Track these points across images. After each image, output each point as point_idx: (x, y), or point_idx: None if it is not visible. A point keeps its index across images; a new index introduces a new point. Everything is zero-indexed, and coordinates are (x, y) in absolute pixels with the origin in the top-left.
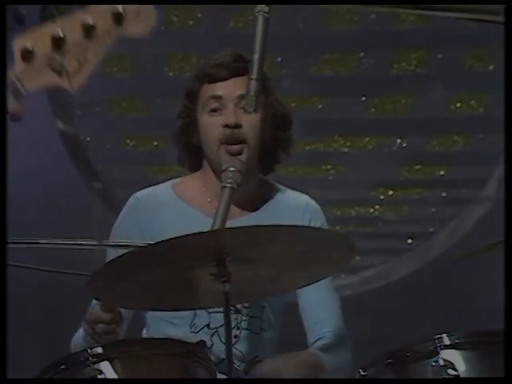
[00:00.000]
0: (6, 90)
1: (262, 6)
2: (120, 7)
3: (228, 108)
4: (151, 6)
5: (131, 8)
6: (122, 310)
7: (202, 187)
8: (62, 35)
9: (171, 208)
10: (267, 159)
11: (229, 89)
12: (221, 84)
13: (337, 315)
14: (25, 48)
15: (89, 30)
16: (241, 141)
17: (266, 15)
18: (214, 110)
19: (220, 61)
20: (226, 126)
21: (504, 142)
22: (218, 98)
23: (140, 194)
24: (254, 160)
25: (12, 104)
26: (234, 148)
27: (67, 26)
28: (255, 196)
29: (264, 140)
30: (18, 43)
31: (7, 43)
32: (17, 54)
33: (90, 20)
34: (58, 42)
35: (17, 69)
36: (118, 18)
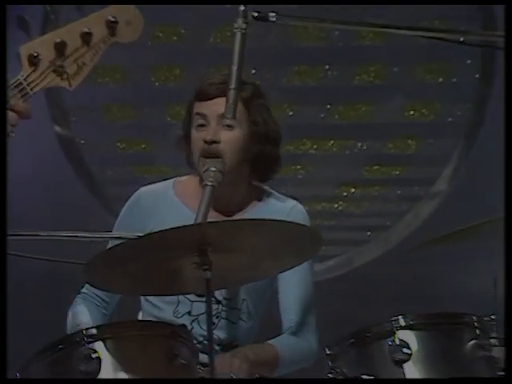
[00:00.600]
0: (6, 91)
1: (240, 22)
2: (113, 16)
3: (211, 125)
4: (141, 16)
5: (123, 17)
6: (105, 294)
7: (199, 187)
8: (63, 42)
9: (167, 204)
10: (262, 169)
11: (213, 107)
12: (207, 103)
13: (306, 305)
14: (31, 54)
15: (86, 38)
16: (216, 155)
17: (244, 31)
18: (200, 126)
19: (211, 81)
20: (205, 141)
21: (504, 141)
22: (203, 115)
23: (144, 188)
24: (234, 171)
25: (21, 104)
26: (210, 161)
27: (68, 34)
28: (245, 200)
29: (247, 154)
30: (25, 50)
31: (7, 43)
32: (24, 60)
33: (87, 29)
34: (60, 49)
35: (24, 73)
36: (112, 27)
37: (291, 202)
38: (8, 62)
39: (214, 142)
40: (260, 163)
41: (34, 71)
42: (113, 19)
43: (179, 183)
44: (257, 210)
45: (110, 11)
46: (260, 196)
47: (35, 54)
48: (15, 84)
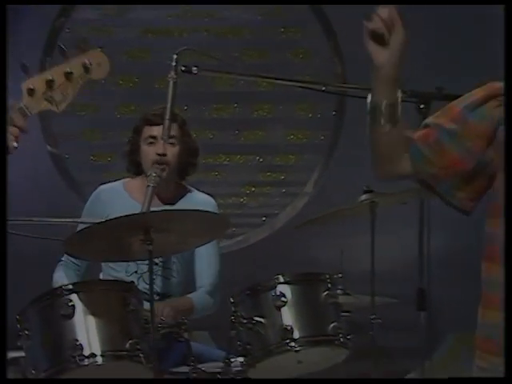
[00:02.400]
0: (6, 94)
1: (172, 74)
2: (87, 61)
3: (160, 143)
4: (107, 60)
5: (95, 61)
6: (78, 261)
7: (142, 186)
8: (52, 79)
9: (120, 197)
10: (184, 172)
11: (160, 131)
12: (155, 127)
13: (210, 274)
14: (29, 88)
15: (68, 76)
16: (165, 163)
17: (175, 80)
18: (150, 143)
19: (157, 112)
20: (158, 154)
21: (504, 141)
22: (153, 136)
23: (103, 186)
24: (172, 174)
25: (21, 122)
26: (161, 167)
27: (55, 73)
28: (175, 194)
29: (181, 162)
30: (25, 85)
31: (7, 43)
32: (24, 92)
33: (69, 69)
34: (49, 84)
35: (24, 100)
36: (87, 68)
37: (206, 197)
38: (8, 64)
39: (164, 154)
40: (185, 168)
41: (31, 100)
42: (87, 62)
43: (129, 182)
44: (184, 202)
45: (86, 56)
46: (185, 191)
47: (32, 88)
48: (18, 108)
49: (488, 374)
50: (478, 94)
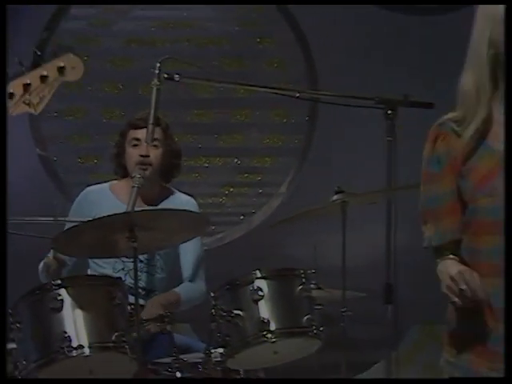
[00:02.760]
0: (5, 91)
1: (156, 81)
2: (62, 63)
3: (143, 145)
4: (81, 63)
5: (69, 64)
6: (66, 258)
7: (127, 187)
8: (29, 83)
9: (106, 198)
10: (169, 174)
11: (144, 134)
12: (139, 130)
13: (194, 267)
14: (9, 92)
15: (44, 79)
16: (148, 164)
17: (158, 87)
18: (134, 145)
19: (141, 116)
20: (141, 155)
21: (504, 140)
22: (138, 139)
23: (89, 188)
24: (155, 175)
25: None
26: (144, 167)
27: (31, 77)
28: (159, 195)
29: (164, 164)
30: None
31: (7, 44)
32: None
33: (45, 73)
34: (26, 88)
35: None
36: (61, 71)
37: (188, 198)
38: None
39: (147, 156)
40: (169, 170)
41: (10, 103)
42: (62, 65)
43: (115, 184)
44: (167, 203)
45: (60, 60)
46: (168, 193)
47: (11, 92)
48: None
49: (454, 367)
50: (427, 147)
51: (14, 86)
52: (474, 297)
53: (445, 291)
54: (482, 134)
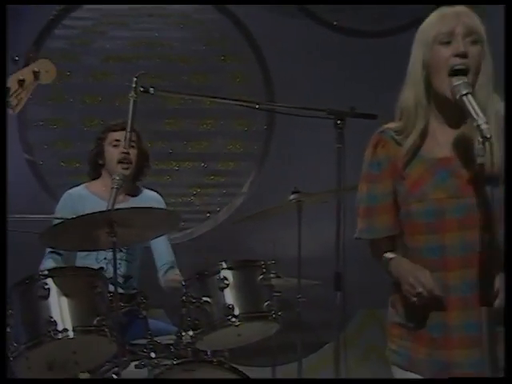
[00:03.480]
0: (5, 91)
1: (133, 93)
2: (36, 68)
3: (122, 145)
4: (54, 67)
5: (43, 68)
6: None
7: (103, 186)
8: (7, 88)
9: (86, 198)
10: (140, 174)
11: (122, 135)
12: (118, 132)
13: (170, 254)
14: None
15: (21, 83)
16: (128, 161)
17: (135, 99)
18: (115, 146)
19: (117, 122)
20: (123, 152)
21: (504, 140)
22: (118, 140)
23: (69, 191)
24: (131, 175)
25: None
26: (125, 166)
27: (10, 82)
28: (131, 192)
29: (137, 164)
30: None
31: (7, 44)
32: None
33: (21, 77)
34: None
35: None
36: (36, 75)
37: (155, 194)
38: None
39: (128, 152)
40: (140, 170)
41: None
42: (37, 69)
43: (89, 186)
44: (139, 198)
45: (35, 65)
46: (138, 190)
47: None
48: None
49: (397, 355)
50: (368, 151)
51: None
52: (431, 295)
53: (404, 293)
54: (418, 145)
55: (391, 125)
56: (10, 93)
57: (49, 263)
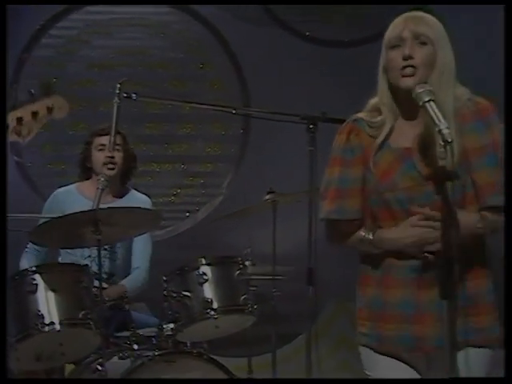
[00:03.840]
0: (6, 95)
1: (116, 99)
2: (51, 103)
3: (108, 149)
4: (67, 105)
5: (57, 105)
6: (40, 248)
7: (92, 187)
8: (21, 116)
9: (73, 197)
10: (127, 176)
11: (107, 140)
12: (104, 137)
13: (147, 256)
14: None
15: (34, 115)
16: (113, 164)
17: (118, 104)
18: (100, 149)
19: (103, 127)
20: (107, 156)
21: (504, 140)
22: (103, 144)
23: (59, 189)
24: (118, 176)
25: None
26: (111, 166)
27: (23, 112)
28: (119, 193)
29: (124, 166)
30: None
31: (7, 44)
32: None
33: (36, 109)
34: (19, 121)
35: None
36: (50, 109)
37: (143, 195)
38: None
39: (112, 156)
40: (127, 173)
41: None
42: (51, 105)
43: (80, 185)
44: (126, 199)
45: (50, 100)
46: (126, 191)
47: (8, 123)
48: None
49: (367, 337)
50: (340, 137)
51: (9, 118)
52: (437, 248)
53: (414, 255)
54: (388, 137)
55: (363, 115)
56: (23, 122)
57: (28, 258)
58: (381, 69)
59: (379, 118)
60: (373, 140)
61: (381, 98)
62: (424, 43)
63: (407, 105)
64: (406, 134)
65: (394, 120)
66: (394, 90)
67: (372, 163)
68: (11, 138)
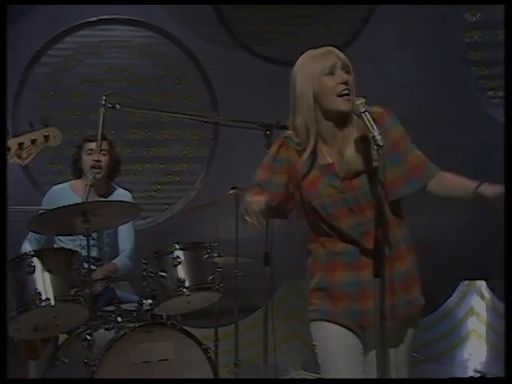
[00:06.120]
0: (6, 96)
1: (102, 109)
2: (47, 133)
3: (96, 153)
4: (61, 134)
5: (52, 134)
6: (39, 235)
7: (83, 185)
8: (22, 142)
9: (67, 194)
10: (113, 175)
11: (95, 145)
12: (92, 143)
13: (128, 242)
14: (7, 147)
15: (33, 141)
16: (99, 167)
17: (104, 113)
18: (89, 154)
19: (92, 134)
20: (94, 160)
21: (504, 139)
22: (91, 149)
23: (55, 187)
24: (104, 176)
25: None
26: (97, 171)
27: (25, 138)
28: (106, 190)
29: (110, 167)
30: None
31: (7, 44)
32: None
33: (34, 137)
34: (20, 146)
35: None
36: (47, 137)
37: (126, 192)
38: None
39: (99, 161)
40: (113, 172)
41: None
42: (47, 134)
43: (72, 184)
44: (112, 196)
45: (47, 130)
46: (113, 188)
47: (9, 147)
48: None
49: (317, 313)
50: (273, 148)
51: (11, 143)
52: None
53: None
54: (313, 155)
55: (291, 134)
56: (24, 147)
57: (30, 243)
58: (309, 95)
59: (302, 140)
60: (299, 156)
61: (304, 122)
62: (348, 72)
63: (327, 125)
64: (327, 152)
65: (314, 141)
66: (325, 111)
67: (301, 176)
68: (12, 160)
